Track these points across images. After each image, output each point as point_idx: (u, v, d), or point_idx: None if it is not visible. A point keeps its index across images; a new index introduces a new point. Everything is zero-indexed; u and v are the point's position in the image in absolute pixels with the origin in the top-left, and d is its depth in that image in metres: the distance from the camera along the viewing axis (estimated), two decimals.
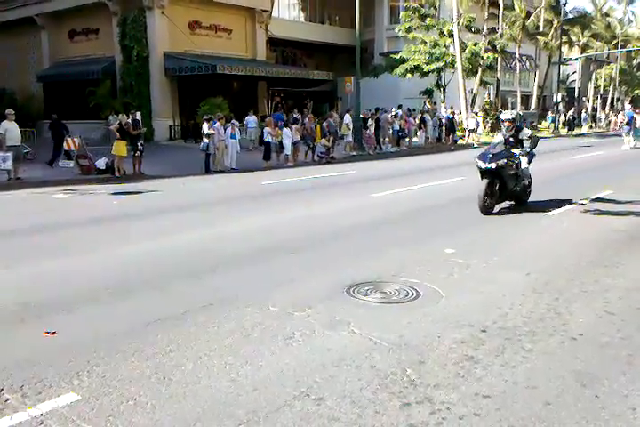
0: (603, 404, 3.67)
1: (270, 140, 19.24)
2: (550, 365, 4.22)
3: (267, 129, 19.57)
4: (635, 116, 25.29)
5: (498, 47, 37.08)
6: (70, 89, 29.10)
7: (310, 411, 3.57)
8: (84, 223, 9.86)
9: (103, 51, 28.71)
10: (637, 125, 25.23)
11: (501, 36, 39.40)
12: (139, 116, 18.21)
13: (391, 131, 25.28)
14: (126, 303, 5.60)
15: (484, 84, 37.65)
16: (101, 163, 16.72)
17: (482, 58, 33.45)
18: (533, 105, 48.17)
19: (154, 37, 26.98)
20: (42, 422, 3.45)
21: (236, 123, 21.08)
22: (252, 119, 24.54)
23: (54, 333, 4.76)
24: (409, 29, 32.86)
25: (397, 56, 33.25)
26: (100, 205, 12.15)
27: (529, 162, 10.60)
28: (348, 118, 23.42)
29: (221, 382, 3.94)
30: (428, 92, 33.83)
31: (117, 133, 16.33)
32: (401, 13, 34.89)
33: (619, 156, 23.37)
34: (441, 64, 31.64)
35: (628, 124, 25.90)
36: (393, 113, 25.45)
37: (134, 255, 7.54)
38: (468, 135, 29.76)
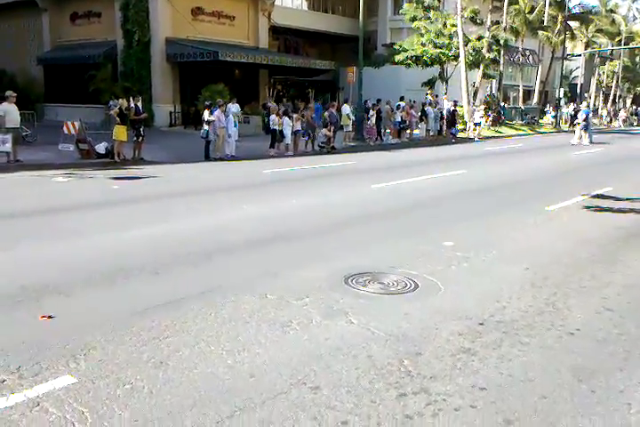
0: (599, 399, 3.68)
1: (276, 128, 19.15)
2: (547, 359, 4.22)
3: (272, 117, 19.48)
4: (590, 113, 26.22)
5: (501, 41, 36.89)
6: (71, 72, 28.89)
7: (306, 399, 3.58)
8: (82, 207, 9.83)
9: (105, 35, 28.47)
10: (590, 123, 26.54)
11: (505, 29, 39.18)
12: (140, 102, 18.07)
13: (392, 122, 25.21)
14: (124, 288, 5.59)
15: (487, 77, 37.48)
16: (101, 147, 16.63)
17: (483, 56, 33.33)
18: (535, 100, 48.08)
19: (156, 22, 26.77)
20: (38, 404, 3.45)
21: (236, 110, 20.84)
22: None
23: (51, 316, 4.75)
24: (413, 19, 32.67)
25: (400, 46, 33.06)
26: (99, 189, 12.10)
27: None
28: (347, 109, 23.25)
29: (218, 369, 3.94)
30: (431, 83, 33.64)
31: (117, 118, 16.24)
32: (404, 5, 34.64)
33: (619, 152, 23.36)
34: (443, 51, 31.34)
35: (585, 120, 27.12)
36: (399, 103, 25.32)
37: (132, 240, 7.51)
38: (474, 129, 29.58)
